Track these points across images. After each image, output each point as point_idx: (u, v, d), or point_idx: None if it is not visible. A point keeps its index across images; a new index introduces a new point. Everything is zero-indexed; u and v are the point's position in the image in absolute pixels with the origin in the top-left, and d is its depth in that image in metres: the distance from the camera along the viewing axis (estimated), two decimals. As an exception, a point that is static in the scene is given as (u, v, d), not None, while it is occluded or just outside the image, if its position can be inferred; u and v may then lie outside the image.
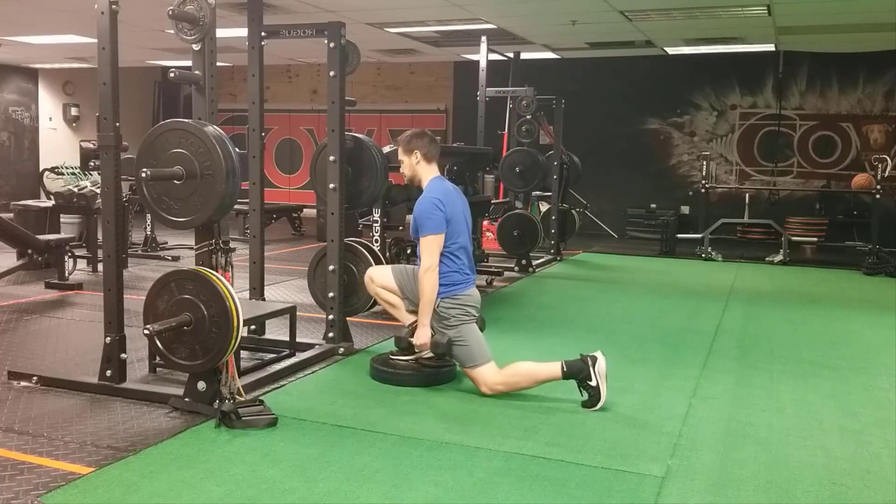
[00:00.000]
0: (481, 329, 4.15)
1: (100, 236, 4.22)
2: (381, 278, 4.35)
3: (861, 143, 11.38)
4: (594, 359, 3.79)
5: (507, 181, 8.54)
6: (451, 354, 4.04)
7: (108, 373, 3.84)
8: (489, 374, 3.96)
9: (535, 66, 10.99)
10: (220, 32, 3.88)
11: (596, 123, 12.06)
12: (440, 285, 4.04)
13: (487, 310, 6.23)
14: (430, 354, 4.23)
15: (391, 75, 13.97)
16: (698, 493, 2.89)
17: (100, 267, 6.03)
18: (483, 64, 8.17)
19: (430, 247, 4.03)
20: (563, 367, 3.81)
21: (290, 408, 3.69)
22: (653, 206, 12.20)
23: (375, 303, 5.12)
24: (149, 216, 8.47)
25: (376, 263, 5.05)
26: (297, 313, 4.77)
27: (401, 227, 6.04)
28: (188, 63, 3.67)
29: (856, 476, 3.08)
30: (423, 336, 4.04)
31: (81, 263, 7.39)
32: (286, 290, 6.93)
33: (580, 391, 3.81)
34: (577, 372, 3.79)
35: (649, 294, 7.33)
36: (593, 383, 3.76)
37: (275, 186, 14.43)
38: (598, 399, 3.75)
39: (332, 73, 4.62)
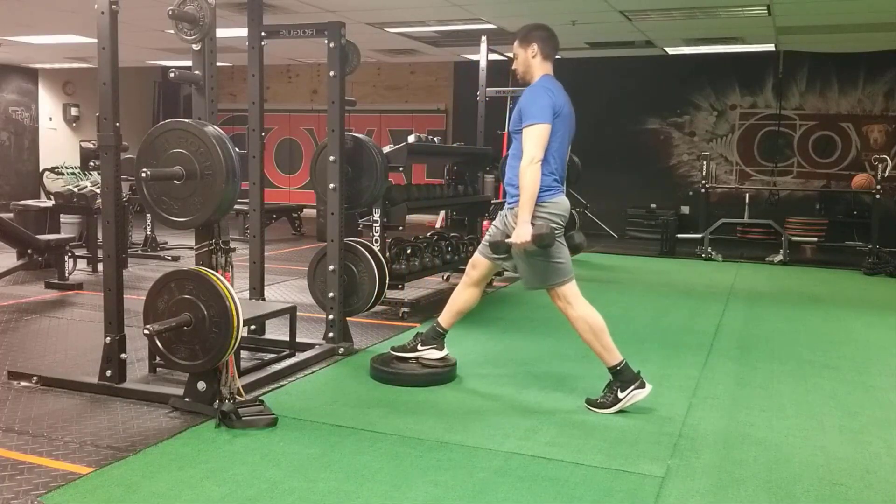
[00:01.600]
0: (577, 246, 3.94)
1: (100, 236, 4.22)
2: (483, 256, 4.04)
3: (861, 143, 11.38)
4: (643, 384, 3.75)
5: (507, 181, 8.51)
6: (535, 266, 3.80)
7: (108, 373, 3.84)
8: (570, 295, 3.80)
9: (535, 66, 10.97)
10: (220, 32, 3.88)
11: (596, 123, 12.03)
12: None
13: (487, 310, 6.25)
14: (436, 357, 4.22)
15: (391, 75, 13.97)
16: (698, 493, 2.89)
17: (100, 267, 6.04)
18: (483, 64, 8.16)
19: (535, 137, 3.66)
20: (620, 362, 3.74)
21: (290, 408, 3.69)
22: (653, 206, 12.19)
23: (375, 303, 5.14)
24: (149, 216, 8.47)
25: (376, 263, 5.05)
26: (297, 313, 4.76)
27: (401, 228, 6.03)
28: (188, 63, 3.67)
29: (856, 476, 3.08)
30: (523, 233, 3.66)
31: (81, 263, 7.39)
32: (286, 290, 6.93)
33: (603, 389, 3.79)
34: (624, 377, 3.74)
35: (649, 294, 7.33)
36: (620, 395, 3.72)
37: (275, 186, 14.42)
38: (605, 408, 3.73)
39: (332, 73, 4.62)
